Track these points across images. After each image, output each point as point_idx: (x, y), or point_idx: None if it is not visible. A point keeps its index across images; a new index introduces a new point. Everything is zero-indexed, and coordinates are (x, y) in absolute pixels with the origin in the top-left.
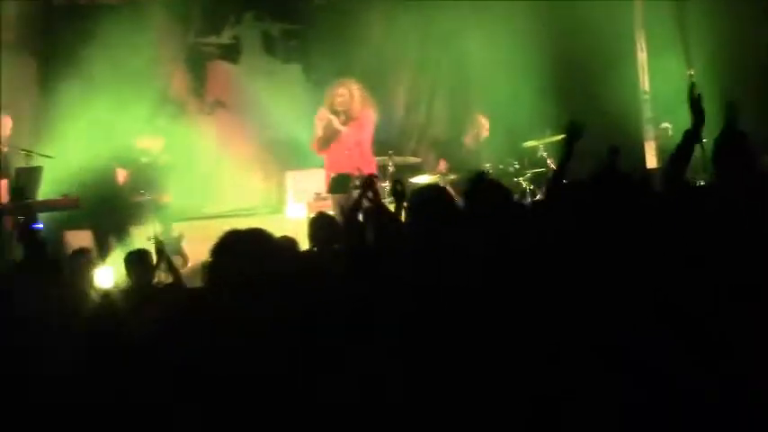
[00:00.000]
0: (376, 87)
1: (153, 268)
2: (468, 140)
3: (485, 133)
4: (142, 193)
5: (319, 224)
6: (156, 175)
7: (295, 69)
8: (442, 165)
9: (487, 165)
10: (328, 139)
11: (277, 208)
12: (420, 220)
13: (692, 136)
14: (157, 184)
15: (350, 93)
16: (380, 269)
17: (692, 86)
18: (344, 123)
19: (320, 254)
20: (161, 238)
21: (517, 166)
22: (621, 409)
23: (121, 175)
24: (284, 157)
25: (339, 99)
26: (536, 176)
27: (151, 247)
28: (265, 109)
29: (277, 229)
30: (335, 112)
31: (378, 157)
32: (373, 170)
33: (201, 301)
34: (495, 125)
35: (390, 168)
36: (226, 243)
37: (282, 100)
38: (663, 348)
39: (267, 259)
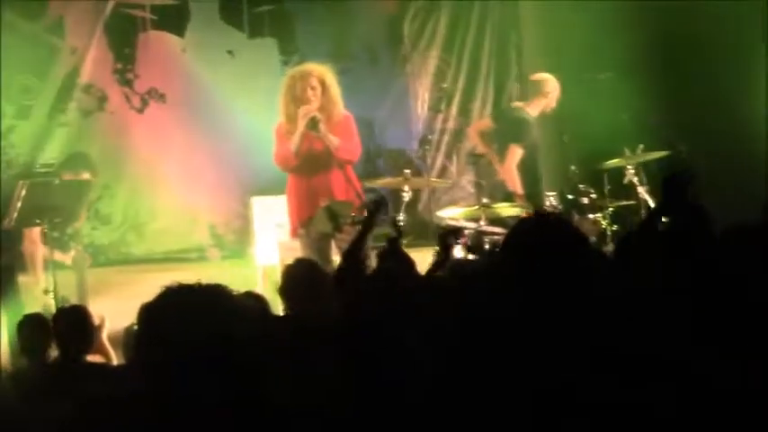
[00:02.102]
0: (379, 76)
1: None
2: (530, 109)
3: (553, 104)
4: (38, 224)
5: (299, 275)
6: (61, 197)
7: (267, 47)
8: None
9: (573, 167)
10: (303, 145)
11: (237, 250)
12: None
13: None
14: (64, 211)
15: (323, 85)
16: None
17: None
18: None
19: (299, 318)
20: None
21: (594, 195)
22: None
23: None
24: (249, 175)
25: (309, 93)
26: (621, 213)
27: (51, 305)
28: (223, 104)
29: (237, 280)
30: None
31: (385, 179)
32: (358, 196)
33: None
34: (563, 134)
35: (407, 195)
36: (165, 305)
37: (248, 92)
38: None
39: (226, 330)
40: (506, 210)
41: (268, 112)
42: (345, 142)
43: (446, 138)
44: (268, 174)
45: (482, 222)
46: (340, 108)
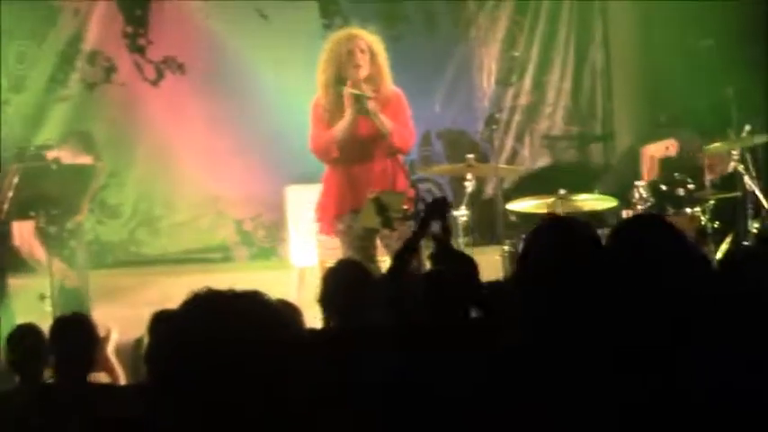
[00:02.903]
0: (438, 43)
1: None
2: None
3: None
4: (32, 216)
5: (342, 281)
6: (59, 185)
7: (307, 10)
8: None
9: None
10: (351, 132)
11: (269, 249)
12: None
13: None
14: (63, 201)
15: (371, 52)
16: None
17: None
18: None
19: (344, 334)
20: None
21: (692, 185)
22: None
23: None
24: (283, 161)
25: (358, 56)
26: (723, 206)
27: (48, 314)
28: (253, 78)
29: (268, 285)
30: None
31: (444, 166)
32: (413, 185)
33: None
34: (656, 109)
35: (470, 184)
36: (195, 315)
37: (283, 63)
38: None
39: (271, 349)
40: (589, 202)
41: (307, 88)
42: (398, 126)
43: (517, 117)
44: (306, 159)
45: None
46: (389, 83)
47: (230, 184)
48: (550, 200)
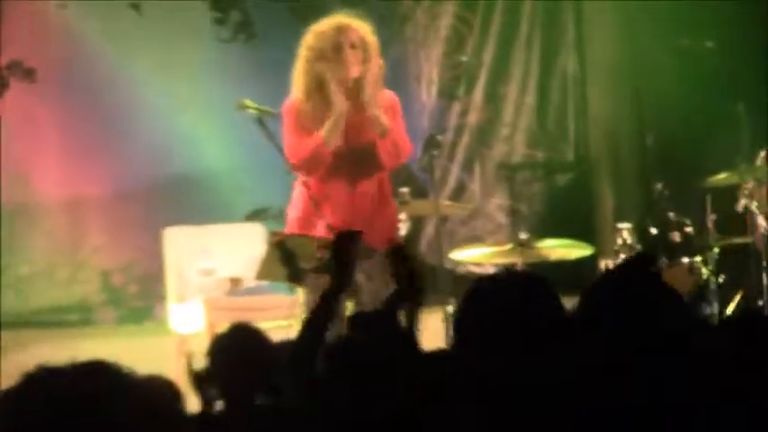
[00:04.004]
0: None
1: None
2: None
3: None
4: None
5: (235, 352)
6: None
7: (194, 1)
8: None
9: (659, 185)
10: (340, 130)
11: (142, 309)
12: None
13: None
14: None
15: (364, 47)
16: None
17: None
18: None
19: (234, 423)
20: None
21: (690, 228)
22: None
23: None
24: (163, 194)
25: (349, 53)
26: (731, 255)
27: None
28: (124, 87)
29: (141, 355)
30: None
31: None
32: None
33: None
34: (642, 128)
35: (403, 226)
36: (21, 404)
37: (164, 67)
38: None
39: None
40: (558, 250)
41: (194, 99)
42: (396, 134)
43: (465, 139)
44: (194, 191)
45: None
46: (381, 82)
47: (94, 225)
48: (507, 247)
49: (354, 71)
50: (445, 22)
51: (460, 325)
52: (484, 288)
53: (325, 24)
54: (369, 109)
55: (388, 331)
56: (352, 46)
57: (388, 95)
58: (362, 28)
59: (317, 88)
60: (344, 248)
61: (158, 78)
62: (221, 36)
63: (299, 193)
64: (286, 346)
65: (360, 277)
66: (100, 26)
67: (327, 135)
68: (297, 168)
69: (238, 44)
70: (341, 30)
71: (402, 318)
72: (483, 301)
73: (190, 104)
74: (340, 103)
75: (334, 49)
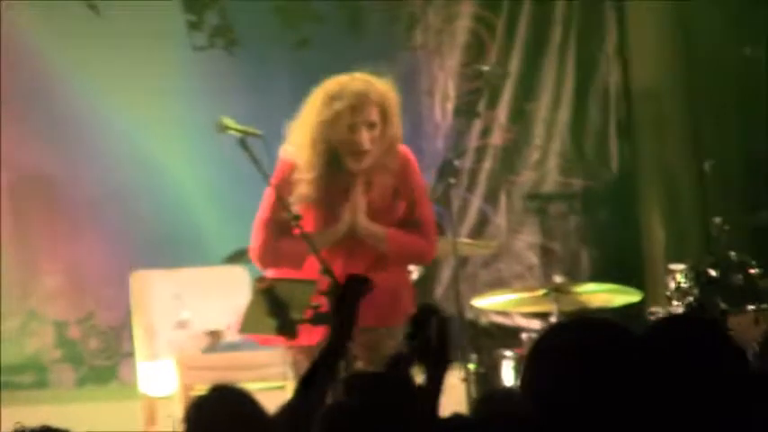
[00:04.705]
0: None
1: None
2: None
3: None
4: None
5: (216, 418)
6: None
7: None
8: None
9: (718, 220)
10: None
11: (105, 369)
12: None
13: None
14: None
15: (384, 117)
16: None
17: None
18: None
19: None
20: None
21: (753, 269)
22: None
23: None
24: (131, 231)
25: (364, 135)
26: None
27: None
28: (82, 107)
29: (102, 422)
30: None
31: None
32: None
33: None
34: (699, 152)
35: (414, 269)
36: None
37: (129, 83)
38: None
39: None
40: (599, 295)
41: (163, 118)
42: (403, 230)
43: (487, 164)
44: (163, 226)
45: (552, 319)
46: (397, 156)
47: (48, 269)
48: (539, 292)
49: (366, 161)
50: (462, 24)
51: (530, 389)
52: (562, 341)
53: (343, 86)
54: (363, 231)
55: (393, 395)
56: (371, 124)
57: (401, 160)
58: (384, 96)
59: (324, 154)
60: (351, 297)
61: (119, 93)
62: (196, 42)
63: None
64: (279, 411)
65: (358, 349)
66: (49, 29)
67: (320, 242)
68: (256, 258)
69: (216, 52)
70: (359, 99)
71: (420, 382)
72: (566, 360)
73: (158, 124)
74: (349, 216)
75: (349, 127)
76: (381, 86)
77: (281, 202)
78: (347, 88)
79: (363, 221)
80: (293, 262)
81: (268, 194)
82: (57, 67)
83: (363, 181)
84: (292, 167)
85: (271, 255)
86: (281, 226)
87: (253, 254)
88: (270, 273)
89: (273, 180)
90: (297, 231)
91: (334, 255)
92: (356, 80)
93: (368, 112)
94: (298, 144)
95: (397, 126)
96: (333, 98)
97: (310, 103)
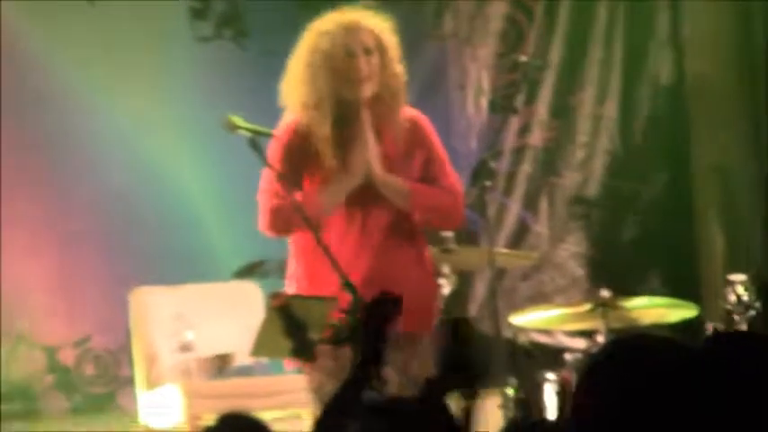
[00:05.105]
0: None
1: None
2: None
3: None
4: None
5: None
6: None
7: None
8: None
9: None
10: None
11: (102, 397)
12: None
13: None
14: None
15: (381, 51)
16: None
17: None
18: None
19: None
20: None
21: None
22: None
23: None
24: (130, 245)
25: (362, 62)
26: None
27: None
28: (76, 102)
29: None
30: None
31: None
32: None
33: None
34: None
35: (446, 282)
36: None
37: (126, 74)
38: None
39: None
40: (651, 310)
41: (165, 118)
42: (428, 182)
43: (526, 165)
44: (165, 238)
45: (599, 337)
46: (403, 101)
47: (39, 289)
48: (584, 307)
49: (369, 86)
50: (497, 10)
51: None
52: (622, 360)
53: (331, 22)
54: (380, 181)
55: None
56: (367, 50)
57: (413, 119)
58: (378, 26)
59: (324, 105)
60: (379, 316)
61: (117, 90)
62: (201, 33)
63: (303, 241)
64: None
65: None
66: (39, 23)
67: (328, 199)
68: (267, 227)
69: (224, 44)
70: (351, 28)
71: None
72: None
73: (159, 124)
74: (360, 163)
75: (345, 55)
76: (377, 20)
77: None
78: (337, 16)
79: (379, 171)
80: (308, 219)
81: (272, 154)
82: (46, 62)
83: (373, 130)
84: (291, 127)
85: (283, 214)
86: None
87: (261, 223)
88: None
89: (274, 145)
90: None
91: (349, 218)
92: (345, 12)
93: (363, 36)
94: (290, 94)
95: (398, 63)
96: (322, 28)
97: (300, 48)
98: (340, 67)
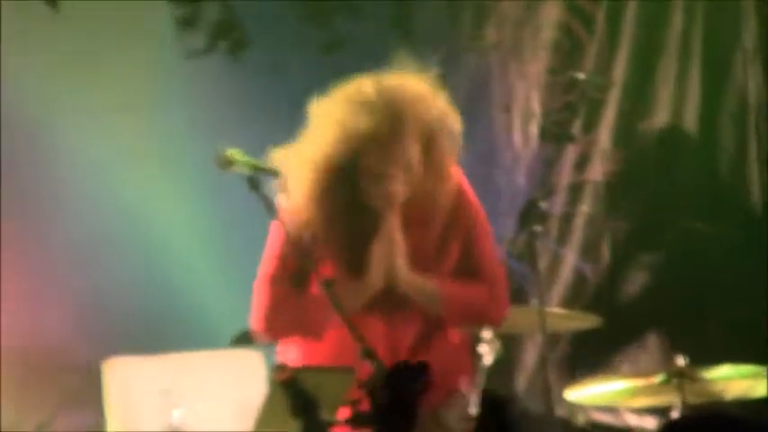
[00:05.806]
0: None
1: None
2: None
3: None
4: None
5: None
6: None
7: None
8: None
9: None
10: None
11: None
12: None
13: None
14: None
15: (427, 148)
16: None
17: None
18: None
19: None
20: None
21: None
22: None
23: None
24: (105, 309)
25: (400, 174)
26: None
27: None
28: (45, 131)
29: None
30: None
31: None
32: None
33: None
34: None
35: (487, 351)
36: None
37: (99, 99)
38: None
39: None
40: (736, 382)
41: (148, 148)
42: (460, 283)
43: (584, 206)
44: (147, 297)
45: (674, 415)
46: (450, 194)
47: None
48: (656, 379)
49: (400, 186)
50: (550, 16)
51: None
52: None
53: (363, 114)
54: (401, 280)
55: None
56: (407, 168)
57: (451, 191)
58: (428, 112)
59: (337, 221)
60: (406, 388)
61: (91, 116)
62: (191, 45)
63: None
64: None
65: None
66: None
67: (348, 301)
68: (261, 329)
69: (218, 58)
70: (386, 151)
71: None
72: None
73: (142, 157)
74: (381, 264)
75: (376, 179)
76: (424, 99)
77: (295, 246)
78: (372, 113)
79: (404, 272)
80: (311, 327)
81: (275, 237)
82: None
83: (403, 224)
84: (292, 212)
85: (281, 317)
86: (293, 281)
87: (256, 318)
88: (288, 355)
89: (282, 218)
90: (314, 289)
91: (368, 325)
92: (384, 94)
93: (402, 152)
94: (297, 190)
95: (448, 148)
96: (357, 96)
97: (316, 128)
98: (367, 189)
